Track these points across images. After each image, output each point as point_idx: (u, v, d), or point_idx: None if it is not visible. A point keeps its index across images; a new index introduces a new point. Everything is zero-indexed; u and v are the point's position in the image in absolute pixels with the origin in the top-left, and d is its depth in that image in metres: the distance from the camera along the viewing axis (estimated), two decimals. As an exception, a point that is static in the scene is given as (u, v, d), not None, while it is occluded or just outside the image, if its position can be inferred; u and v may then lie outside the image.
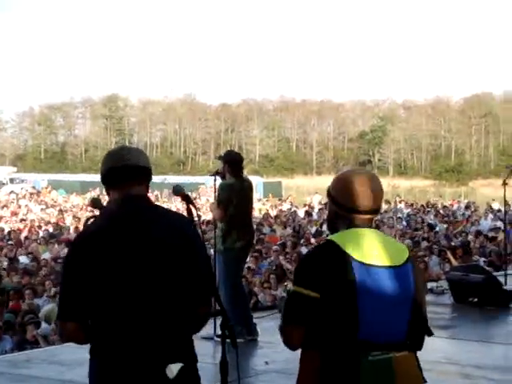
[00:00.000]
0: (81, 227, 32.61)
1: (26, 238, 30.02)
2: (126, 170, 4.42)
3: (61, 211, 42.22)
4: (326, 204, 5.90)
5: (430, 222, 32.69)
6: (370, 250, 4.26)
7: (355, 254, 4.21)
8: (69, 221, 36.75)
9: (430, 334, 4.48)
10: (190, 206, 4.75)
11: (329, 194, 4.48)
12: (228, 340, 4.77)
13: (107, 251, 4.31)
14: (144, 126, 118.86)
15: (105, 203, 4.84)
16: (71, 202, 50.86)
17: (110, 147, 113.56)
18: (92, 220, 4.67)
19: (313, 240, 25.53)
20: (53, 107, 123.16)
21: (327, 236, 4.55)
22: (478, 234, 26.84)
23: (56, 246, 27.07)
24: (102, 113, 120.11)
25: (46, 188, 62.92)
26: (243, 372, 4.94)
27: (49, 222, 36.54)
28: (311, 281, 4.22)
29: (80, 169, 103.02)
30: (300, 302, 4.25)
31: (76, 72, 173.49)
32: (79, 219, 36.23)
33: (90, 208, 37.55)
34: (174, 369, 4.20)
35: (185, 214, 4.71)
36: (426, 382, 4.38)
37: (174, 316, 4.31)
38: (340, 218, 4.42)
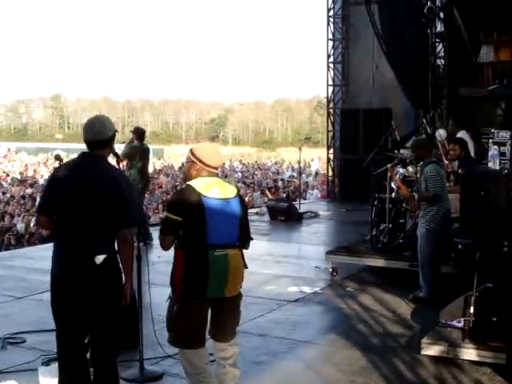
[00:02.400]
0: (37, 176, 32.33)
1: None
2: (86, 142, 4.38)
3: (26, 165, 41.16)
4: (185, 162, 6.03)
5: (255, 172, 33.07)
6: (214, 189, 4.29)
7: (204, 192, 4.25)
8: (30, 172, 35.76)
9: (251, 239, 4.58)
10: (119, 160, 4.83)
11: (193, 154, 4.42)
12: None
13: (59, 181, 4.31)
14: (76, 113, 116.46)
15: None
16: (31, 160, 49.47)
17: (55, 126, 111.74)
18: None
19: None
20: (19, 100, 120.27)
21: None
22: (282, 180, 27.39)
23: (22, 187, 26.50)
24: (50, 105, 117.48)
25: (15, 152, 61.09)
26: (147, 261, 5.03)
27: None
28: (175, 210, 4.27)
29: (36, 139, 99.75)
30: (168, 222, 4.31)
31: (32, 75, 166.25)
32: (35, 171, 35.48)
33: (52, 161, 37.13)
34: (100, 258, 4.17)
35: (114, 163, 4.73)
36: (246, 267, 4.48)
37: (100, 229, 4.23)
38: (198, 170, 4.38)
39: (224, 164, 39.74)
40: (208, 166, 4.38)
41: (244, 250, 4.50)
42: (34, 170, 36.58)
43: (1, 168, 40.58)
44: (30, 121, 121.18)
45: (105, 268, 4.22)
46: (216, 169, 4.45)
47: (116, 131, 4.48)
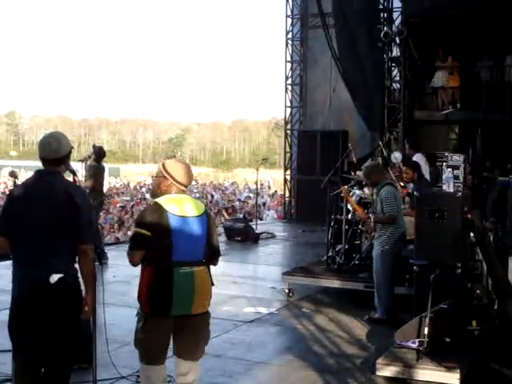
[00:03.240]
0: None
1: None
2: (41, 159, 4.35)
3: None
4: (154, 177, 5.85)
5: (212, 193, 33.02)
6: (181, 207, 4.28)
7: (170, 209, 4.24)
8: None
9: (219, 255, 4.56)
10: (75, 177, 4.78)
11: (166, 170, 4.40)
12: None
13: (15, 200, 4.29)
14: (31, 130, 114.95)
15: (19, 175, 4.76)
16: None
17: (10, 143, 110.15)
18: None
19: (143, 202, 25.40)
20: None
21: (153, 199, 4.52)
22: (239, 200, 27.39)
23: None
24: (5, 121, 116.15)
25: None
26: (103, 281, 4.98)
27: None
28: (144, 225, 4.25)
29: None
30: (138, 237, 4.29)
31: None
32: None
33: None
34: (55, 277, 4.11)
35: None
36: (213, 284, 4.48)
37: (55, 248, 4.17)
38: (168, 186, 4.38)
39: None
40: (178, 182, 4.38)
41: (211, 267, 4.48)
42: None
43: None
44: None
45: (60, 288, 4.15)
46: (185, 186, 4.45)
47: (72, 148, 4.45)
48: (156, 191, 4.48)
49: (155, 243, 4.22)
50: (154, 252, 4.24)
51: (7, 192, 4.61)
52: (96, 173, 10.82)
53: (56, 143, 4.34)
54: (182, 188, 4.42)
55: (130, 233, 15.89)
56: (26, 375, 4.25)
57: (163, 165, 4.46)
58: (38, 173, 4.40)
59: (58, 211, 4.19)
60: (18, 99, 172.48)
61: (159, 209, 4.26)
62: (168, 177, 4.40)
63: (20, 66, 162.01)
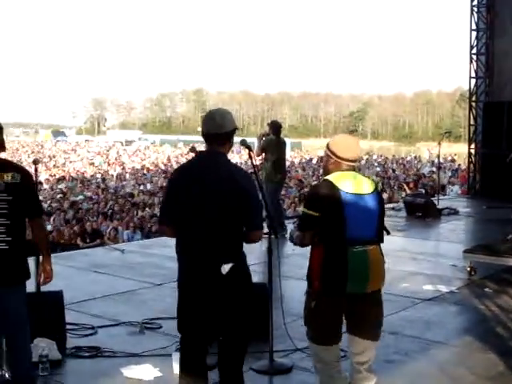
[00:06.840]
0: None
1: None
2: (203, 135, 4.19)
3: (168, 158, 42.70)
4: (323, 156, 5.83)
5: (393, 167, 32.51)
6: (352, 184, 4.18)
7: (342, 187, 4.13)
8: (174, 163, 37.10)
9: (388, 233, 4.44)
10: (251, 153, 4.78)
11: (328, 148, 4.31)
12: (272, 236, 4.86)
13: (181, 182, 4.10)
14: (217, 107, 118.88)
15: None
16: (174, 153, 51.27)
17: (198, 119, 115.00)
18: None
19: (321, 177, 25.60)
20: (163, 95, 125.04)
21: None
22: (423, 175, 26.75)
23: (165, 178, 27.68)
24: (193, 98, 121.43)
25: (160, 144, 63.61)
26: (279, 254, 5.01)
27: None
28: (314, 205, 4.18)
29: (180, 132, 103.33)
30: (307, 218, 4.20)
31: (175, 69, 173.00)
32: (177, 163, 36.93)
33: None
34: (226, 267, 4.03)
35: (247, 157, 4.71)
36: (384, 262, 4.35)
37: (225, 235, 4.04)
38: (334, 164, 4.27)
39: (362, 158, 39.50)
40: (343, 159, 4.25)
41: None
42: (171, 161, 38.01)
43: (141, 159, 42.45)
44: (173, 114, 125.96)
45: (232, 276, 4.06)
46: (353, 161, 4.30)
47: (236, 128, 4.22)
48: (325, 169, 4.40)
49: (327, 222, 4.12)
50: (325, 230, 4.14)
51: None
52: (272, 146, 10.93)
53: (220, 118, 4.15)
54: (350, 164, 4.28)
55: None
56: (193, 361, 4.22)
57: (327, 144, 4.36)
58: (199, 154, 4.28)
59: (225, 197, 4.02)
60: (204, 76, 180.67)
61: (330, 186, 4.15)
62: (332, 155, 4.28)
63: (206, 43, 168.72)
